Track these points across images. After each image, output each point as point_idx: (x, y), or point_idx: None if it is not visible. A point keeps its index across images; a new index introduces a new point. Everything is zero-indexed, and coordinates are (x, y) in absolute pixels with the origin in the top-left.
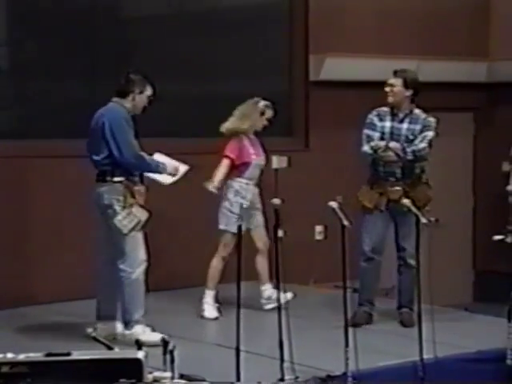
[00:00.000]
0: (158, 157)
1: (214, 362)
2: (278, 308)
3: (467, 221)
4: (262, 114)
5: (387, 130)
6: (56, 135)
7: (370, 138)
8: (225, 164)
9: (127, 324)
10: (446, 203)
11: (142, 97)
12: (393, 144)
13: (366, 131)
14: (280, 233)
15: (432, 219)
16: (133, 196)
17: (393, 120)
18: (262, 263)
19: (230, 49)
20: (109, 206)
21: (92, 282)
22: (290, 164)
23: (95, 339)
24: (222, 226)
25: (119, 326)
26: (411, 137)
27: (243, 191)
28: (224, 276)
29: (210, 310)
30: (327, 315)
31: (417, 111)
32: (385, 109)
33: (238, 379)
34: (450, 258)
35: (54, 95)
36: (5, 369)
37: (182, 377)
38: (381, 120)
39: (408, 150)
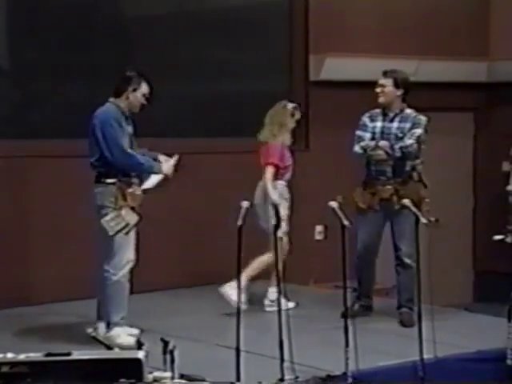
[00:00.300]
0: (162, 158)
1: (214, 362)
2: (278, 308)
3: (467, 221)
4: (292, 116)
5: (378, 129)
6: (56, 135)
7: (360, 139)
8: (272, 172)
9: (108, 325)
10: (446, 203)
11: (136, 95)
12: (382, 142)
13: (358, 132)
14: (280, 233)
15: (432, 219)
16: (124, 198)
17: (384, 120)
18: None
19: (230, 49)
20: (101, 207)
21: (92, 282)
22: None
23: (95, 339)
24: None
25: (101, 326)
26: (400, 135)
27: (285, 193)
28: (224, 276)
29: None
30: (327, 315)
31: (408, 110)
32: (377, 110)
33: (238, 379)
34: (450, 257)
35: (54, 95)
36: (5, 369)
37: (182, 377)
38: (372, 121)
39: (396, 146)
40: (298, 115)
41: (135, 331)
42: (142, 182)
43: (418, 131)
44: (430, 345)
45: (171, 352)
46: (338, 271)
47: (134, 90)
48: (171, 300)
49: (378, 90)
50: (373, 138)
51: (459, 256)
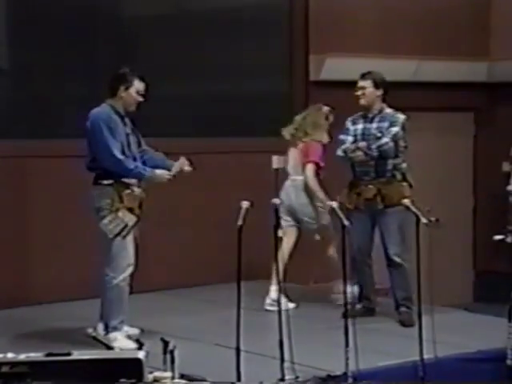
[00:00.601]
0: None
1: (214, 362)
2: (278, 308)
3: (467, 221)
4: (326, 118)
5: (359, 131)
6: (56, 135)
7: (342, 142)
8: (314, 170)
9: (106, 327)
10: (446, 203)
11: (129, 92)
12: (361, 144)
13: (340, 136)
14: (280, 232)
15: (432, 219)
16: (121, 200)
17: (365, 122)
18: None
19: (231, 49)
20: (98, 208)
21: (92, 283)
22: None
23: (95, 339)
24: (324, 222)
25: (101, 326)
26: (379, 134)
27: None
28: (225, 276)
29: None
30: (327, 315)
31: (387, 110)
32: (359, 113)
33: (239, 379)
34: (451, 257)
35: (54, 95)
36: (5, 368)
37: (182, 377)
38: (354, 124)
39: (373, 146)
40: (331, 118)
41: (136, 331)
42: (140, 182)
43: (394, 129)
44: (430, 345)
45: (171, 352)
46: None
47: (127, 88)
48: (171, 300)
49: (359, 92)
50: (355, 141)
51: (459, 256)
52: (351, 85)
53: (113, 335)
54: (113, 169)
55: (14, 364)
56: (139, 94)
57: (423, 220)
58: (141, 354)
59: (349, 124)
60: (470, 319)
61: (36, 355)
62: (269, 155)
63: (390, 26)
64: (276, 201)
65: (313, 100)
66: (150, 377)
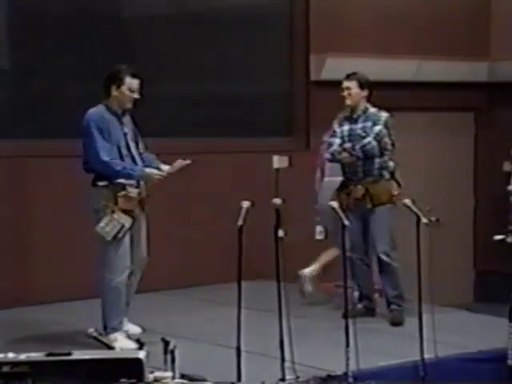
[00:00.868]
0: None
1: (214, 362)
2: (279, 308)
3: (468, 221)
4: None
5: (346, 133)
6: (56, 135)
7: (330, 145)
8: None
9: (105, 327)
10: (446, 203)
11: (121, 91)
12: (346, 145)
13: (328, 139)
14: (281, 232)
15: (433, 219)
16: (115, 201)
17: (350, 123)
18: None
19: (231, 49)
20: (96, 210)
21: (92, 283)
22: (291, 164)
23: (96, 339)
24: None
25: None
26: (363, 134)
27: None
28: (224, 276)
29: None
30: (328, 315)
31: (371, 109)
32: (345, 115)
33: (239, 379)
34: (451, 257)
35: (54, 95)
36: (6, 368)
37: (182, 376)
38: (340, 125)
39: (356, 147)
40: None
41: (137, 330)
42: (139, 183)
43: (377, 128)
44: (431, 345)
45: (172, 352)
46: (339, 271)
47: (119, 86)
48: (172, 300)
49: (344, 93)
50: (343, 142)
51: (460, 256)
52: None
53: (113, 336)
54: (100, 171)
55: (14, 364)
56: (132, 91)
57: (424, 220)
58: (141, 354)
59: (335, 126)
60: (471, 319)
61: (36, 355)
62: (270, 155)
63: (390, 26)
64: (276, 201)
65: (314, 100)
66: (150, 377)
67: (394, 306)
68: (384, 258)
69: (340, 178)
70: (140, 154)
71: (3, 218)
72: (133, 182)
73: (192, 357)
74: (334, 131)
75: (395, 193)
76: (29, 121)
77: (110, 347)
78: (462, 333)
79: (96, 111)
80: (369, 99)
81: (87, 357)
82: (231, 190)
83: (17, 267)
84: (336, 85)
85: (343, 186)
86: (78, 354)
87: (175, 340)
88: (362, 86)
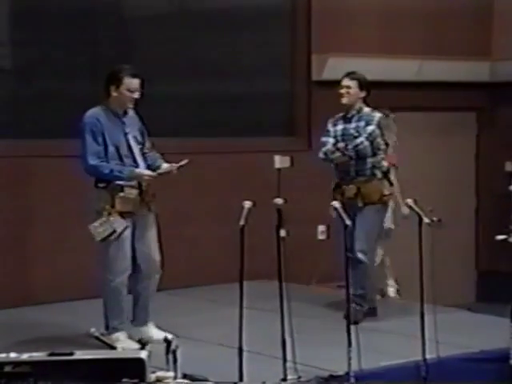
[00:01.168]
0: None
1: (216, 362)
2: (281, 308)
3: (470, 221)
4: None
5: (339, 132)
6: (56, 135)
7: (324, 144)
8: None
9: (107, 327)
10: (448, 203)
11: (120, 91)
12: (339, 144)
13: (322, 139)
14: (282, 232)
15: (435, 219)
16: (112, 204)
17: (344, 122)
18: None
19: (232, 48)
20: (96, 212)
21: (93, 282)
22: (293, 164)
23: (98, 339)
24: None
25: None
26: (356, 134)
27: None
28: (226, 276)
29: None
30: (330, 315)
31: (365, 109)
32: (340, 114)
33: (241, 379)
34: (453, 257)
35: (54, 95)
36: (8, 368)
37: (184, 376)
38: (334, 125)
39: (349, 146)
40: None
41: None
42: (140, 184)
43: (370, 128)
44: (433, 345)
45: (174, 352)
46: (341, 271)
47: (117, 86)
48: (173, 300)
49: (343, 90)
50: (337, 142)
51: (462, 256)
52: None
53: (115, 336)
54: (90, 174)
55: (16, 364)
56: (131, 91)
57: (426, 220)
58: (143, 354)
59: (329, 126)
60: (473, 319)
61: (38, 355)
62: (271, 155)
63: (392, 25)
64: (278, 200)
65: (315, 99)
66: (152, 376)
67: (354, 305)
68: (360, 256)
69: None
70: (143, 154)
71: (3, 218)
72: (132, 183)
73: (194, 357)
74: (328, 130)
75: (386, 192)
76: (29, 121)
77: (112, 347)
78: (464, 333)
79: (92, 113)
80: (365, 101)
81: (89, 357)
82: (233, 190)
83: (18, 267)
84: (338, 85)
85: (337, 186)
86: (80, 354)
87: (177, 340)
88: (361, 86)
